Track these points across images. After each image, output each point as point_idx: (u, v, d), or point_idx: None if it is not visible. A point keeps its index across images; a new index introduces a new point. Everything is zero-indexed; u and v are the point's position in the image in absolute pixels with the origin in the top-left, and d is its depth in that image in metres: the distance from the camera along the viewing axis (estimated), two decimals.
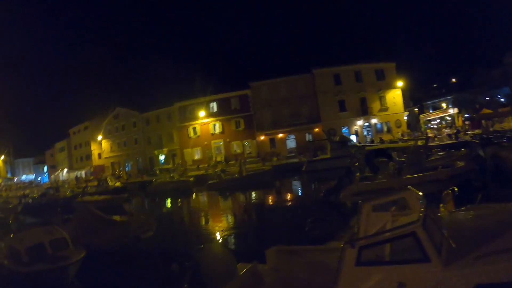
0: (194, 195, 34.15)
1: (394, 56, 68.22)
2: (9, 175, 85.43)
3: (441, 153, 23.77)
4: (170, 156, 61.82)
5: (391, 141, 43.96)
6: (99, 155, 74.46)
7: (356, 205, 15.89)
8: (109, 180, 44.34)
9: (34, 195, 41.73)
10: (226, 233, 16.14)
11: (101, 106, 73.73)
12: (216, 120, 58.59)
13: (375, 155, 20.58)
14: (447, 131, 42.37)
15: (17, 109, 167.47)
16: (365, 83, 54.22)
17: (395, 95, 54.21)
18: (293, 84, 55.94)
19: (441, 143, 32.62)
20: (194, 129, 59.95)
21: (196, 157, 59.15)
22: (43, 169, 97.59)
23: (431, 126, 54.94)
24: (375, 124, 54.24)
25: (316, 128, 53.39)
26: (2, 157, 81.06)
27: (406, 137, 45.15)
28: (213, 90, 57.07)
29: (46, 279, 10.50)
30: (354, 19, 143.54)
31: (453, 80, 68.49)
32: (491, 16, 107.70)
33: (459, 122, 48.35)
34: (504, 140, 25.33)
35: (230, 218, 20.64)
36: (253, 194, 28.58)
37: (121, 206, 29.02)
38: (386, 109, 53.97)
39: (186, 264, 6.78)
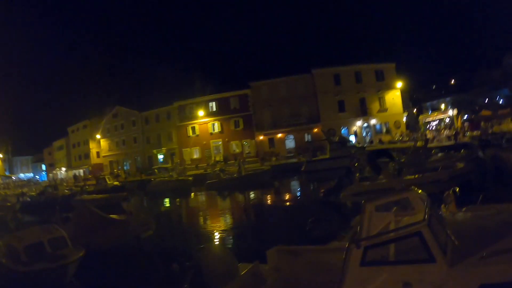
0: (193, 195, 34.11)
1: (393, 57, 68.53)
2: (7, 173, 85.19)
3: (440, 154, 23.76)
4: (169, 156, 61.80)
5: (390, 142, 44.04)
6: (98, 154, 74.40)
7: (356, 205, 16.00)
8: (107, 179, 44.26)
9: (33, 193, 41.65)
10: (226, 233, 16.10)
11: (100, 105, 73.79)
12: (215, 120, 58.60)
13: (377, 156, 20.60)
14: (446, 132, 42.39)
15: (16, 107, 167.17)
16: (364, 84, 54.26)
17: (394, 96, 54.25)
18: (292, 84, 55.95)
19: (440, 145, 32.62)
20: (193, 128, 59.93)
21: (195, 156, 59.13)
22: (41, 168, 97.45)
23: (430, 128, 54.96)
24: (374, 124, 54.30)
25: (316, 128, 53.41)
26: (1, 155, 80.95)
27: (405, 138, 45.23)
28: (212, 90, 57.17)
29: (45, 278, 10.43)
30: (354, 19, 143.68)
31: (452, 81, 68.56)
32: (490, 17, 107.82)
33: (458, 123, 48.35)
34: (503, 142, 25.36)
35: (230, 218, 20.60)
36: (252, 194, 28.55)
37: (120, 205, 29.00)
38: (385, 110, 54.01)
39: (186, 264, 6.74)
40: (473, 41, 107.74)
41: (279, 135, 55.53)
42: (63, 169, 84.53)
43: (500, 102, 52.07)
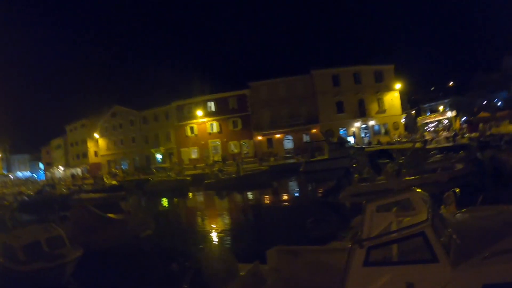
0: (191, 195, 34.04)
1: (392, 58, 68.50)
2: (5, 172, 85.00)
3: (439, 156, 23.80)
4: (167, 155, 61.73)
5: (389, 143, 44.07)
6: (96, 153, 74.21)
7: (355, 206, 15.97)
8: (105, 178, 44.17)
9: (30, 192, 41.54)
10: (225, 233, 16.04)
11: (99, 104, 73.69)
12: (214, 120, 58.55)
13: (378, 156, 20.65)
14: (445, 134, 42.46)
15: (14, 105, 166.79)
16: (363, 85, 54.31)
17: (393, 97, 54.34)
18: (291, 85, 55.93)
19: (438, 146, 32.68)
20: (192, 128, 59.86)
21: (193, 156, 59.06)
22: (39, 166, 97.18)
23: (429, 129, 55.10)
24: (373, 125, 54.35)
25: (314, 129, 53.41)
26: None
27: (404, 140, 45.28)
28: (211, 90, 57.13)
29: (43, 278, 10.36)
30: (353, 20, 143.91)
31: (451, 83, 68.72)
32: (489, 19, 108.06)
33: (456, 125, 48.48)
34: (502, 144, 25.42)
35: (229, 218, 20.54)
36: (251, 194, 28.49)
37: (118, 204, 29.00)
38: (383, 111, 54.08)
39: (186, 264, 6.72)
40: (472, 44, 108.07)
41: (278, 135, 55.52)
42: (61, 168, 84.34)
43: (498, 104, 52.25)
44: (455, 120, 49.84)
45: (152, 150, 63.72)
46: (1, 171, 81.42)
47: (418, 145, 28.00)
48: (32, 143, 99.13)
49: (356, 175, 19.08)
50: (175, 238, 14.97)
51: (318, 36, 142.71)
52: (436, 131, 49.38)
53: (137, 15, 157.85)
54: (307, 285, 6.07)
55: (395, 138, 48.53)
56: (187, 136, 60.00)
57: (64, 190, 39.30)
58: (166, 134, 62.47)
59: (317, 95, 54.32)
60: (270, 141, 55.82)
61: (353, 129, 54.16)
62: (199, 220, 21.51)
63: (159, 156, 63.60)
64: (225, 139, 57.64)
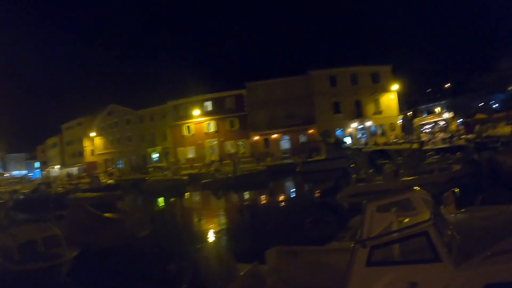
0: (188, 194, 33.96)
1: (389, 59, 68.47)
2: (0, 170, 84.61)
3: (436, 157, 23.85)
4: (164, 155, 61.64)
5: (385, 144, 44.11)
6: (92, 152, 73.99)
7: (353, 206, 15.95)
8: (101, 177, 43.97)
9: (26, 191, 41.29)
10: (223, 233, 15.98)
11: (95, 103, 73.52)
12: (211, 119, 58.51)
13: (378, 156, 20.71)
14: (442, 135, 42.55)
15: (10, 104, 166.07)
16: (360, 86, 54.44)
17: (389, 99, 54.49)
18: (288, 85, 55.95)
19: (435, 147, 32.73)
20: (188, 127, 59.79)
21: (190, 156, 58.97)
22: (34, 165, 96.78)
23: (425, 130, 55.22)
24: (370, 126, 54.46)
25: (311, 129, 53.47)
26: None
27: (400, 141, 45.36)
28: (208, 89, 57.14)
29: (38, 278, 10.25)
30: (351, 21, 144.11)
31: (448, 85, 68.90)
32: (486, 22, 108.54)
33: (453, 126, 48.62)
34: (498, 145, 25.52)
35: (227, 218, 20.45)
36: (248, 194, 28.43)
37: (114, 203, 28.88)
38: (380, 112, 54.23)
39: (184, 264, 6.66)
40: (469, 45, 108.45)
41: (275, 135, 55.53)
42: (57, 166, 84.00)
43: (495, 106, 52.46)
44: (452, 122, 49.97)
45: (149, 150, 63.60)
46: None
47: (415, 146, 28.02)
48: (28, 142, 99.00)
49: (354, 176, 19.09)
50: (173, 238, 14.87)
51: (316, 37, 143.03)
52: (432, 132, 49.48)
53: (134, 15, 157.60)
54: (307, 285, 6.04)
55: (392, 139, 48.62)
56: (183, 136, 59.90)
57: (60, 189, 39.10)
58: (163, 133, 62.34)
59: (314, 95, 54.35)
60: (267, 141, 55.82)
61: (350, 130, 54.26)
62: (197, 220, 21.43)
63: (155, 156, 63.45)
64: (222, 139, 57.60)
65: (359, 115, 54.16)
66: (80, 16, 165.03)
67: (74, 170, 75.62)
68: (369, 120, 54.16)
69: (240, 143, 56.94)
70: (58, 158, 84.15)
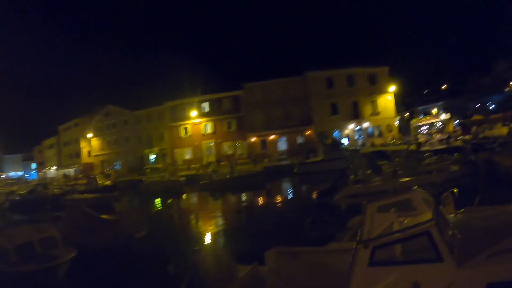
0: (185, 195, 33.87)
1: (386, 61, 68.45)
2: None
3: (434, 158, 23.92)
4: (161, 156, 61.44)
5: (383, 145, 44.23)
6: (89, 153, 73.73)
7: (350, 207, 15.94)
8: (98, 179, 43.81)
9: (22, 192, 41.11)
10: (222, 234, 15.92)
11: (92, 104, 73.23)
12: (208, 121, 58.39)
13: (377, 157, 20.77)
14: (438, 136, 42.68)
15: (7, 104, 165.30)
16: (357, 87, 54.49)
17: (386, 100, 54.56)
18: (285, 86, 55.93)
19: (432, 148, 32.84)
20: (185, 129, 59.65)
21: (187, 157, 58.82)
22: (31, 166, 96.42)
23: (422, 132, 55.37)
24: (367, 128, 54.48)
25: (308, 130, 53.49)
26: None
27: (397, 142, 45.49)
28: (205, 91, 56.92)
29: (35, 279, 10.15)
30: (348, 23, 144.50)
31: (444, 86, 69.06)
32: (483, 23, 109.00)
33: (450, 127, 48.75)
34: (494, 146, 25.63)
35: (225, 219, 20.37)
36: (246, 195, 28.37)
37: (111, 205, 28.75)
38: (377, 114, 54.29)
39: (183, 266, 6.62)
40: (465, 47, 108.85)
41: (272, 136, 55.44)
42: (53, 168, 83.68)
43: (491, 107, 52.62)
44: (449, 123, 50.11)
45: (146, 151, 63.37)
46: None
47: (412, 147, 28.12)
48: (25, 143, 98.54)
49: (352, 177, 19.11)
50: (171, 239, 14.80)
51: (313, 38, 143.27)
52: (429, 134, 49.60)
53: (132, 16, 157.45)
54: (307, 286, 6.03)
55: (389, 140, 48.72)
56: (180, 137, 59.76)
57: (56, 190, 38.96)
58: (160, 134, 62.16)
59: (311, 96, 54.34)
60: (264, 142, 55.75)
61: (347, 131, 54.28)
62: (195, 221, 21.36)
63: (152, 157, 63.26)
64: (219, 140, 57.49)
65: (356, 116, 54.20)
66: (78, 17, 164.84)
67: (71, 171, 75.40)
68: (366, 121, 54.20)
69: (237, 144, 56.85)
70: (55, 159, 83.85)
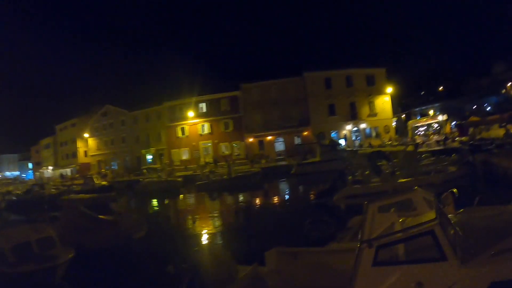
0: (183, 196, 33.79)
1: (384, 62, 68.63)
2: None
3: (432, 159, 23.98)
4: (158, 156, 61.27)
5: (380, 146, 44.30)
6: (85, 153, 73.50)
7: (349, 207, 15.94)
8: (95, 179, 43.69)
9: (19, 192, 40.97)
10: (221, 234, 15.86)
11: (89, 103, 73.10)
12: (205, 121, 58.29)
13: (377, 158, 20.83)
14: (435, 137, 42.79)
15: (3, 104, 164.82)
16: (355, 88, 54.58)
17: (384, 101, 54.69)
18: (283, 87, 55.90)
19: (430, 149, 32.91)
20: (183, 129, 59.53)
21: (184, 157, 58.73)
22: (28, 166, 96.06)
23: (419, 133, 55.51)
24: (364, 129, 54.59)
25: (306, 131, 53.51)
26: None
27: (394, 143, 45.56)
28: (203, 91, 56.85)
29: (33, 280, 10.07)
30: (346, 24, 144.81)
31: (441, 88, 69.32)
32: (480, 25, 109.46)
33: (447, 129, 48.89)
34: (491, 147, 25.71)
35: (223, 220, 20.30)
36: (244, 196, 28.33)
37: (108, 205, 28.75)
38: (375, 115, 54.41)
39: (183, 266, 6.58)
40: (462, 48, 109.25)
41: (269, 137, 55.41)
42: (50, 167, 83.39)
43: (488, 109, 52.81)
44: (446, 124, 50.25)
45: (143, 151, 63.23)
46: None
47: (410, 148, 28.15)
48: (21, 143, 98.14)
49: (350, 177, 19.14)
50: (170, 239, 14.75)
51: (311, 39, 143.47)
52: (426, 135, 49.75)
53: (130, 15, 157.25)
54: (307, 286, 6.01)
55: (386, 141, 48.82)
56: (178, 137, 59.67)
57: (53, 190, 38.84)
58: (157, 134, 62.02)
59: (309, 97, 54.41)
60: (261, 143, 55.71)
61: (344, 132, 54.36)
62: (194, 221, 21.28)
63: (149, 157, 63.12)
64: (216, 141, 57.42)
65: (354, 117, 54.31)
66: (76, 16, 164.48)
67: (67, 171, 75.16)
68: (363, 122, 54.30)
69: (234, 145, 56.80)
70: (51, 159, 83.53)
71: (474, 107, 53.89)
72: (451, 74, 70.00)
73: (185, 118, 58.74)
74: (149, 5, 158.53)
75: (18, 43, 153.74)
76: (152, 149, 62.07)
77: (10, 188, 49.36)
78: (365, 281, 4.59)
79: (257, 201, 26.25)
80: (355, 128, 54.74)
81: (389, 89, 54.48)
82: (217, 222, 19.76)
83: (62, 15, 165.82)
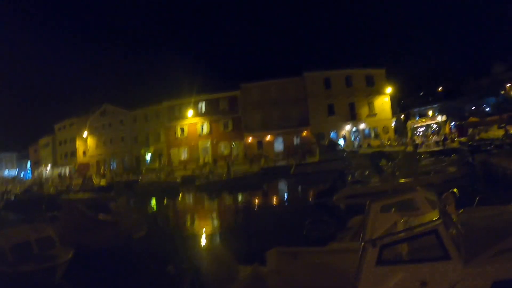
0: (182, 196, 33.75)
1: (383, 63, 68.82)
2: None
3: (431, 159, 24.01)
4: (157, 156, 61.19)
5: (379, 146, 44.34)
6: (84, 153, 73.37)
7: (349, 207, 15.93)
8: (94, 178, 43.61)
9: (17, 191, 40.88)
10: (221, 234, 15.85)
11: (88, 102, 72.99)
12: (204, 121, 58.20)
13: (378, 158, 20.88)
14: (435, 138, 42.84)
15: (2, 103, 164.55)
16: (354, 88, 54.49)
17: (383, 101, 54.63)
18: (283, 87, 55.81)
19: (429, 150, 32.97)
20: (182, 129, 59.43)
21: (183, 157, 58.60)
22: (26, 165, 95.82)
23: (418, 133, 55.54)
24: (363, 129, 54.56)
25: (305, 131, 53.45)
26: None
27: (394, 143, 45.60)
28: (202, 90, 56.81)
29: (33, 280, 10.03)
30: (346, 24, 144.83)
31: (440, 88, 69.37)
32: (479, 26, 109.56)
33: (446, 129, 48.94)
34: (491, 148, 25.75)
35: (224, 220, 20.28)
36: (243, 196, 28.31)
37: (107, 205, 28.58)
38: (374, 115, 54.34)
39: (183, 266, 6.58)
40: (461, 49, 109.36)
41: (268, 137, 55.32)
42: (49, 167, 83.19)
43: (487, 109, 52.88)
44: (445, 125, 50.30)
45: (142, 151, 63.13)
46: None
47: (409, 148, 28.21)
48: (20, 142, 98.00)
49: (349, 177, 19.15)
50: (170, 239, 14.71)
51: (310, 39, 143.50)
52: (425, 135, 49.81)
53: (129, 15, 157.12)
54: (308, 286, 6.00)
55: (385, 141, 48.83)
56: (177, 137, 59.57)
57: (52, 190, 38.77)
58: (156, 134, 61.89)
59: (308, 97, 54.35)
60: (260, 143, 55.61)
61: (343, 132, 54.31)
62: (194, 221, 21.26)
63: (148, 157, 63.02)
64: (215, 140, 57.31)
65: (353, 117, 54.25)
66: (75, 15, 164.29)
67: (65, 170, 74.97)
68: (362, 123, 54.26)
69: (233, 144, 56.70)
70: (50, 158, 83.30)
71: (473, 108, 53.95)
72: (450, 75, 70.06)
73: (184, 117, 58.66)
74: (148, 4, 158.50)
75: (17, 43, 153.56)
76: (151, 149, 61.98)
77: (9, 187, 49.23)
78: (369, 280, 4.60)
79: (257, 201, 26.23)
80: (354, 128, 54.69)
81: (389, 90, 54.44)
82: (217, 222, 19.74)
83: (62, 14, 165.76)
